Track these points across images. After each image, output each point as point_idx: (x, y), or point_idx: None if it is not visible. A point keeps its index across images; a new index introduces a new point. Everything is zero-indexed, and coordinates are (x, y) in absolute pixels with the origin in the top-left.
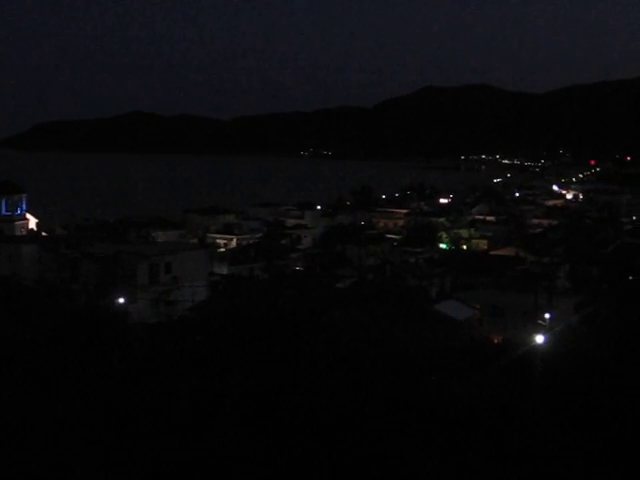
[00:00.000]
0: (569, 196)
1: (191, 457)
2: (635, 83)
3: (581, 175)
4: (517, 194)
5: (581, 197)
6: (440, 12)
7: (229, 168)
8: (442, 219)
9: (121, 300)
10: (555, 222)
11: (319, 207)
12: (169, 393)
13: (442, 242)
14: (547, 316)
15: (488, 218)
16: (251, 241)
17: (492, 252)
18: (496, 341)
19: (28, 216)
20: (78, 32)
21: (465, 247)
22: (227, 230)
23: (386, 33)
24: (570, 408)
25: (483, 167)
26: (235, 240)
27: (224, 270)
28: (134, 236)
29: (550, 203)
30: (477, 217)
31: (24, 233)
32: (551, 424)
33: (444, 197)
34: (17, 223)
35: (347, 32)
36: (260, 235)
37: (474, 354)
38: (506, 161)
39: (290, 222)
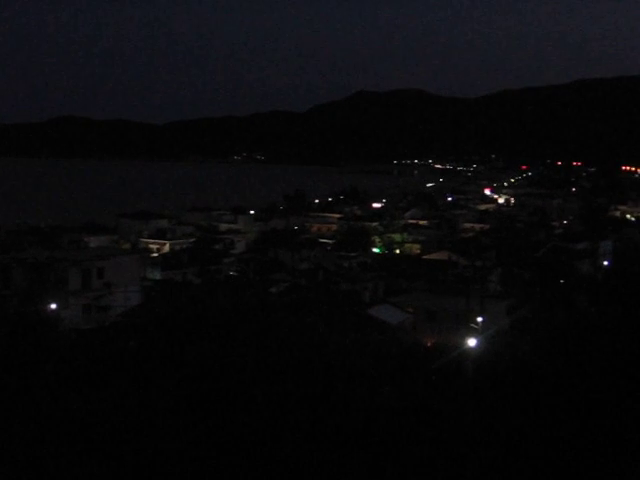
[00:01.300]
0: (501, 200)
1: (122, 459)
2: (565, 88)
3: (513, 180)
4: (450, 198)
5: (513, 201)
6: (373, 17)
7: (162, 173)
8: (375, 224)
9: (53, 306)
10: (487, 226)
11: (252, 212)
12: (100, 398)
13: (375, 247)
14: (479, 319)
15: (421, 222)
16: (184, 246)
17: (425, 256)
18: (429, 344)
19: None
20: (6, 33)
21: (398, 251)
22: (160, 235)
23: (319, 38)
24: (501, 410)
25: (416, 172)
26: (168, 245)
27: (157, 275)
28: (66, 241)
29: (482, 207)
30: (410, 221)
31: None
32: (481, 426)
33: (377, 202)
34: None
35: (280, 36)
36: (193, 240)
37: (406, 358)
38: (439, 166)
39: (223, 227)
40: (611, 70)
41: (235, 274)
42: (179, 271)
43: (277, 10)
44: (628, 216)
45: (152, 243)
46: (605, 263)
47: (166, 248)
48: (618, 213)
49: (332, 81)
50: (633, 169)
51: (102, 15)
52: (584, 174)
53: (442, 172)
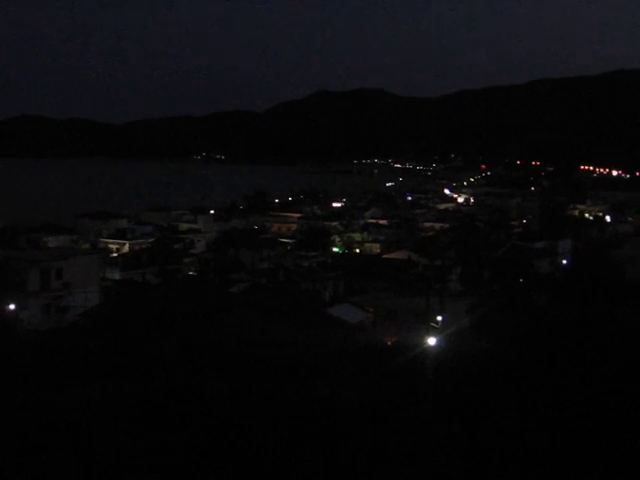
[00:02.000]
0: (460, 200)
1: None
2: (524, 88)
3: (472, 179)
4: (409, 198)
5: (472, 201)
6: (333, 16)
7: (122, 172)
8: (335, 223)
9: (11, 307)
10: (447, 225)
11: (212, 211)
12: (60, 398)
13: (335, 246)
14: (439, 318)
15: (381, 222)
16: (144, 246)
17: (385, 256)
18: (389, 343)
19: None
20: None
21: (358, 251)
22: (119, 235)
23: (280, 37)
24: (461, 408)
25: (376, 171)
26: (128, 245)
27: (116, 275)
28: (24, 242)
29: (442, 207)
30: (370, 221)
31: None
32: (440, 424)
33: (337, 201)
34: None
35: (240, 36)
36: (153, 240)
37: (366, 357)
38: (398, 165)
39: (183, 227)
40: (570, 70)
41: (195, 274)
42: (138, 271)
43: (237, 9)
44: (586, 215)
45: (111, 243)
46: (564, 262)
47: (125, 248)
48: (576, 212)
49: (293, 80)
50: (591, 168)
51: (55, 13)
52: (543, 173)
53: (402, 171)
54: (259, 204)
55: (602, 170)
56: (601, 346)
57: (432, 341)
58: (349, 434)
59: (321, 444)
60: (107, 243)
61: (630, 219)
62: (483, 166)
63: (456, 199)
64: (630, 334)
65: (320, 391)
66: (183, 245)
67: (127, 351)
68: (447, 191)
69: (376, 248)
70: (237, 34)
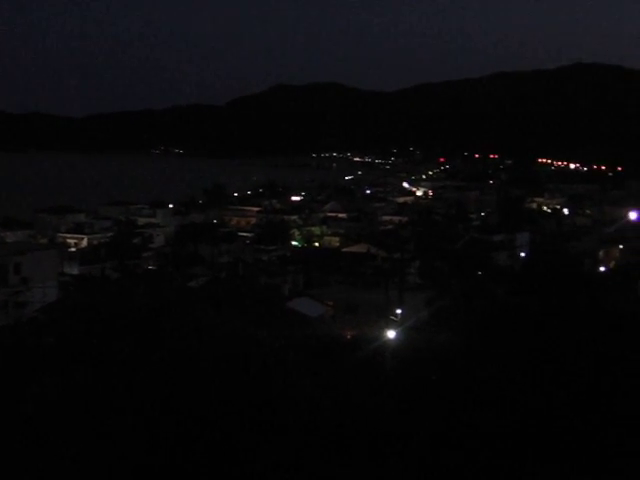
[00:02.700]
0: (419, 193)
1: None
2: (483, 82)
3: (431, 172)
4: (368, 191)
5: (431, 194)
6: (289, 10)
7: (80, 166)
8: (294, 217)
9: None
10: (405, 219)
11: (171, 205)
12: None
13: (294, 240)
14: (398, 311)
15: (340, 215)
16: (102, 240)
17: (344, 249)
18: (349, 337)
19: None
20: None
21: (317, 244)
22: (78, 229)
23: (237, 31)
24: (420, 401)
25: (334, 165)
26: (86, 239)
27: (75, 270)
28: None
29: (401, 200)
30: (329, 214)
31: None
32: (399, 418)
33: (296, 195)
34: None
35: (198, 30)
36: (111, 234)
37: (325, 350)
38: (357, 159)
39: (142, 221)
40: (527, 64)
41: (154, 268)
42: (97, 266)
43: (194, 3)
44: (544, 208)
45: (70, 238)
46: (522, 254)
47: (84, 243)
48: (534, 205)
49: (251, 74)
50: (549, 161)
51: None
52: (501, 167)
53: (361, 165)
54: (218, 198)
55: (560, 163)
56: (558, 337)
57: (391, 334)
58: (307, 428)
59: (280, 439)
60: (65, 238)
61: (588, 212)
62: (442, 159)
63: (415, 192)
64: (586, 325)
65: (277, 386)
66: (142, 239)
67: (84, 346)
68: (406, 184)
69: (335, 241)
70: (196, 29)
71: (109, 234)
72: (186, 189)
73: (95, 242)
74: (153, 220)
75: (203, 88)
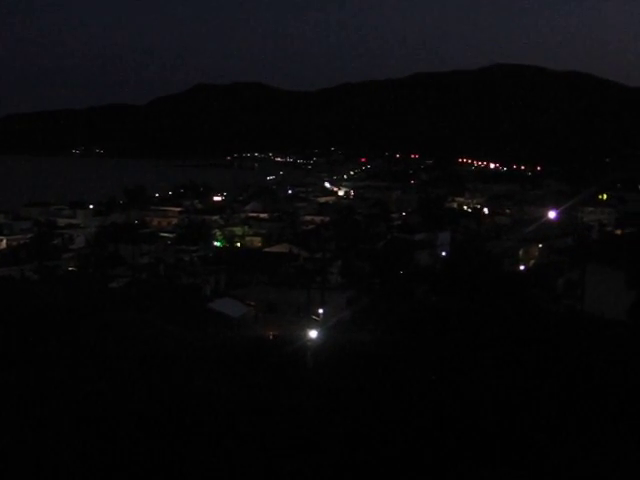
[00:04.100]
0: (341, 193)
1: None
2: (403, 82)
3: (352, 172)
4: (290, 191)
5: (353, 194)
6: (210, 10)
7: None
8: (216, 217)
9: None
10: (327, 219)
11: (92, 206)
12: None
13: (216, 240)
14: (320, 311)
15: (261, 215)
16: (22, 242)
17: (266, 249)
18: (271, 337)
19: None
20: None
21: (239, 244)
22: None
23: (158, 30)
24: (341, 400)
25: (256, 165)
26: (5, 241)
27: None
28: None
29: (322, 200)
30: (251, 215)
31: None
32: (322, 416)
33: (218, 195)
34: None
35: (118, 29)
36: (31, 235)
37: (247, 350)
38: (279, 159)
39: (62, 222)
40: (447, 64)
41: (74, 270)
42: (16, 267)
43: (113, 3)
44: (465, 207)
45: None
46: (443, 253)
47: (3, 244)
48: (455, 204)
49: (172, 74)
50: (469, 161)
51: None
52: (422, 166)
53: (283, 165)
54: (139, 198)
55: (480, 163)
56: (478, 335)
57: (313, 334)
58: (230, 428)
59: (200, 440)
60: None
61: (507, 211)
62: (363, 159)
63: (337, 192)
64: (506, 323)
65: (198, 386)
66: (62, 240)
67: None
68: (328, 184)
69: (257, 242)
70: (117, 29)
71: (29, 235)
72: (107, 189)
73: (14, 243)
74: (73, 221)
75: (124, 88)
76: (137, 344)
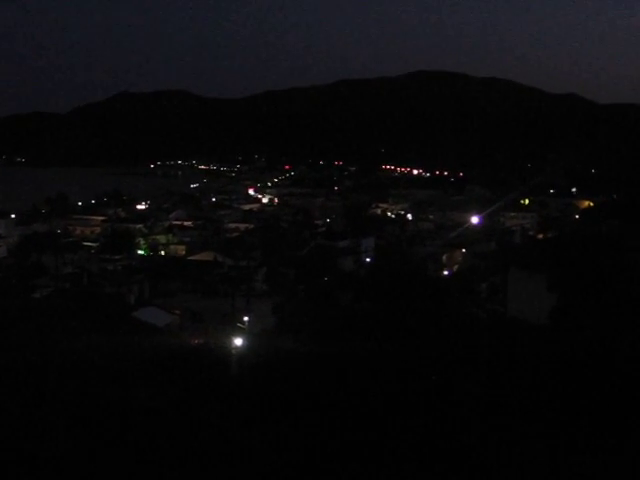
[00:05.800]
0: (265, 200)
1: None
2: (328, 89)
3: (276, 179)
4: (214, 199)
5: (277, 201)
6: (132, 16)
7: None
8: (140, 225)
9: None
10: (252, 226)
11: (13, 215)
12: None
13: (140, 248)
14: (245, 319)
15: (186, 223)
16: None
17: (190, 257)
18: (196, 345)
19: None
20: None
21: (163, 253)
22: None
23: (80, 37)
24: (267, 407)
25: (180, 173)
26: None
27: None
28: None
29: (246, 207)
30: (174, 223)
31: None
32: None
33: (141, 203)
34: None
35: (38, 37)
36: None
37: (172, 359)
38: (202, 167)
39: None
40: (371, 71)
41: None
42: None
43: (35, 9)
44: (389, 213)
45: None
46: (367, 259)
47: None
48: (379, 210)
49: (94, 82)
50: (393, 168)
51: None
52: (346, 173)
53: (206, 173)
54: (61, 207)
55: (403, 169)
56: (404, 340)
57: (238, 342)
58: (154, 438)
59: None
60: None
61: (431, 217)
62: (287, 167)
63: (261, 199)
64: (429, 328)
65: (119, 395)
66: None
67: None
68: (252, 192)
69: (181, 250)
70: (36, 36)
71: None
72: (29, 198)
73: None
74: None
75: (45, 96)
76: (59, 354)
